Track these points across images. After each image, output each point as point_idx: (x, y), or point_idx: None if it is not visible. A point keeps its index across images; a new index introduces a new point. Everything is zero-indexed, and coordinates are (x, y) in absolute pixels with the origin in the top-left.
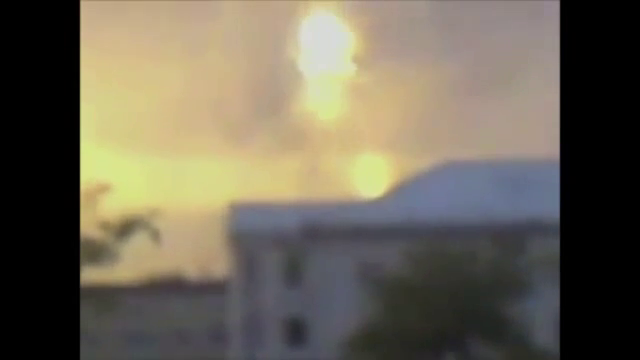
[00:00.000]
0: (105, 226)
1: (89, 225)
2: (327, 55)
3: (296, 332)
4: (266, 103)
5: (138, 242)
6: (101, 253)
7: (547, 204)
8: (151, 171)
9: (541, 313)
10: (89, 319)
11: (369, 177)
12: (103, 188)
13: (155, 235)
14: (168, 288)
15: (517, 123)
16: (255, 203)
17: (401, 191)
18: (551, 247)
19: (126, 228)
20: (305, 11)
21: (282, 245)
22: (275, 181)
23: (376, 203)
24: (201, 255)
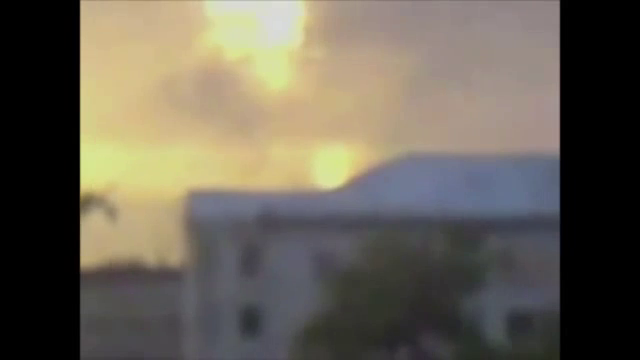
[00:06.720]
0: None
1: None
2: (281, 33)
3: (251, 322)
4: (216, 87)
5: (93, 222)
6: None
7: (504, 201)
8: (99, 159)
9: (493, 309)
10: None
11: (326, 167)
12: None
13: (111, 212)
14: (125, 275)
15: (479, 118)
16: (213, 191)
17: (360, 182)
18: (505, 244)
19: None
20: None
21: (239, 234)
22: (227, 169)
23: (335, 194)
24: (158, 242)
